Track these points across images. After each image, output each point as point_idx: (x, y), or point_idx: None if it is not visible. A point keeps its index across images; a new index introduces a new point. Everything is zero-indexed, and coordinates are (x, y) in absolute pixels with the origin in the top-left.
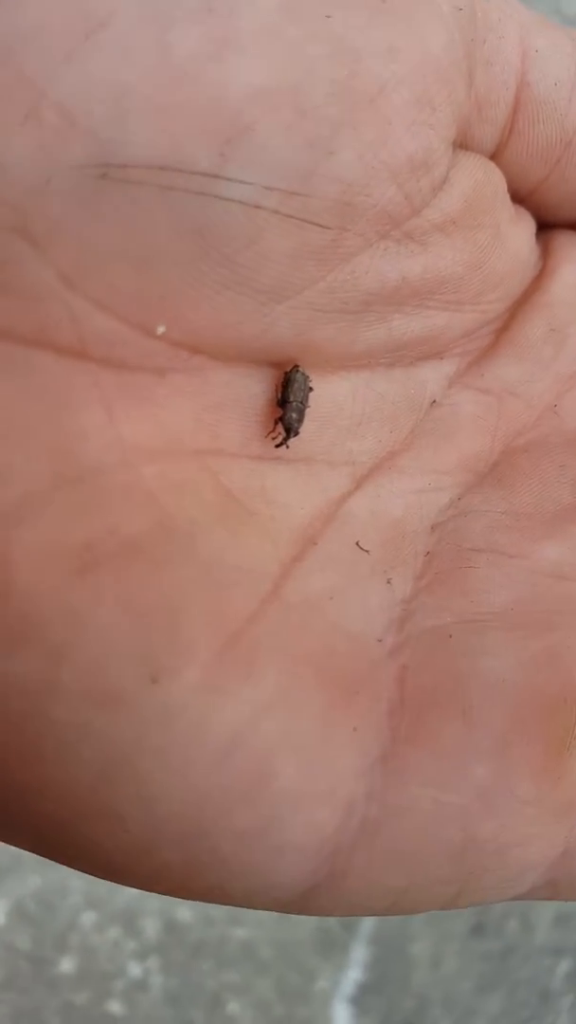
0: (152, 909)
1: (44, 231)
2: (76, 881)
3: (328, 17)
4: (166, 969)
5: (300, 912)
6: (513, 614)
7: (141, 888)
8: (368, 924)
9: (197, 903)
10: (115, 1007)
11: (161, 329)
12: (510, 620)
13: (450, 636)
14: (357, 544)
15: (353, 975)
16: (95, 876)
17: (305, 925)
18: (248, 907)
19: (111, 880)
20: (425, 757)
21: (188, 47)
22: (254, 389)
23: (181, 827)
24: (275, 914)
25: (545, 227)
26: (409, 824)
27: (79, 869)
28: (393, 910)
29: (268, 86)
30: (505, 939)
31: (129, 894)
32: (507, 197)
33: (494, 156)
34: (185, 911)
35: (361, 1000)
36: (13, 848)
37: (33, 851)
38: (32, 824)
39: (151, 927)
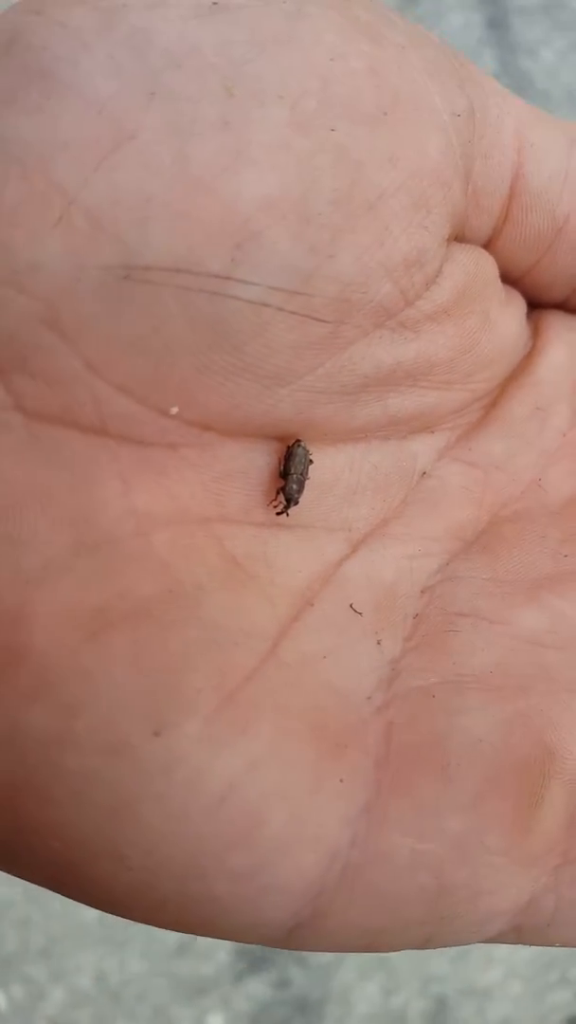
0: None
1: (72, 324)
2: None
3: (333, 130)
4: None
5: (285, 947)
6: (492, 677)
7: (141, 921)
8: None
9: None
10: None
11: (175, 410)
12: (489, 682)
13: (433, 696)
14: (351, 607)
15: None
16: (98, 909)
17: None
18: (238, 941)
19: (112, 913)
20: (406, 808)
21: (205, 159)
22: (258, 461)
23: (178, 867)
24: None
25: (536, 307)
26: (388, 870)
27: (83, 902)
28: (370, 948)
29: (276, 195)
30: None
31: None
32: (498, 284)
33: (488, 242)
34: None
35: None
36: None
37: (41, 885)
38: (42, 861)
39: None
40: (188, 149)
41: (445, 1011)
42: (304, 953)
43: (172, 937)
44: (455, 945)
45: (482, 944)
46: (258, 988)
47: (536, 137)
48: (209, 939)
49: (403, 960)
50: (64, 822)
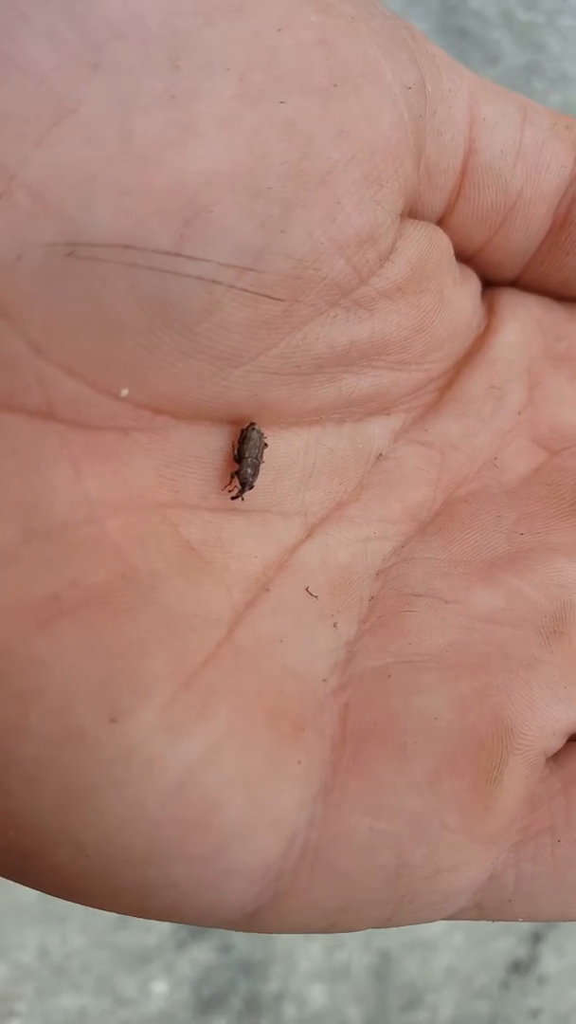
0: None
1: (15, 304)
2: None
3: (282, 103)
4: None
5: (247, 930)
6: (448, 655)
7: (100, 908)
8: None
9: None
10: None
11: (125, 392)
12: (445, 661)
13: (389, 676)
14: (307, 590)
15: None
16: (57, 896)
17: None
18: (200, 925)
19: (71, 900)
20: (363, 788)
21: (151, 132)
22: (212, 445)
23: (137, 853)
24: None
25: (490, 285)
26: (347, 849)
27: (41, 891)
28: (332, 928)
29: (225, 169)
30: None
31: None
32: (452, 261)
33: (442, 220)
34: None
35: None
36: None
37: None
38: None
39: None
40: (133, 123)
41: (389, 964)
42: None
43: None
44: (417, 923)
45: None
46: (201, 953)
47: (488, 111)
48: None
49: None
50: (20, 811)
